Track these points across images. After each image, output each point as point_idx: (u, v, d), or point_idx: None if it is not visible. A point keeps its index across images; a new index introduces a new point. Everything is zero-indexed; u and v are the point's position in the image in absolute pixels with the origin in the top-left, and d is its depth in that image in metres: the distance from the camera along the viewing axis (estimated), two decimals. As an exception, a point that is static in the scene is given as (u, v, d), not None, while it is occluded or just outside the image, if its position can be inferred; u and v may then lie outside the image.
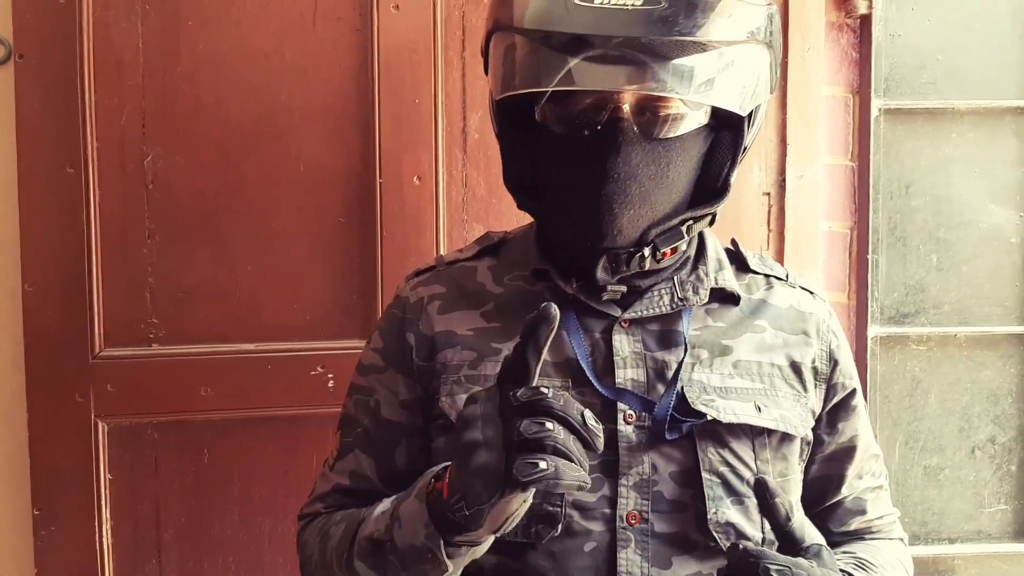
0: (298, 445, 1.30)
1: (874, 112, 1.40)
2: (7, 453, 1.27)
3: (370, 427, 0.90)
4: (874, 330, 1.41)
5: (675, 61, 0.73)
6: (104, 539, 1.27)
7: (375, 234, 1.29)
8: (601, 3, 0.72)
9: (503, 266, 0.91)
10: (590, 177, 0.78)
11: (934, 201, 1.44)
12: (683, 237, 0.83)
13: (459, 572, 0.72)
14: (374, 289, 1.29)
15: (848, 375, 0.92)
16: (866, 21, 1.40)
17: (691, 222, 0.83)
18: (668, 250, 0.82)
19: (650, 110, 0.78)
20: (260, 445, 1.29)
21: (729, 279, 0.89)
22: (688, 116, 0.79)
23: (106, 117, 1.24)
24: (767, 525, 0.80)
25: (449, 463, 0.67)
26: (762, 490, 0.72)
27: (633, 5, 0.72)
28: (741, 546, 0.70)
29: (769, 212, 1.37)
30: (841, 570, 0.77)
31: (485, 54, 0.87)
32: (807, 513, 0.88)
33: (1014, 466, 1.48)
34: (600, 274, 0.80)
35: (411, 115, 1.29)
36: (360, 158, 1.29)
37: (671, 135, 0.78)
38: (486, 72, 0.89)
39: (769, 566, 0.67)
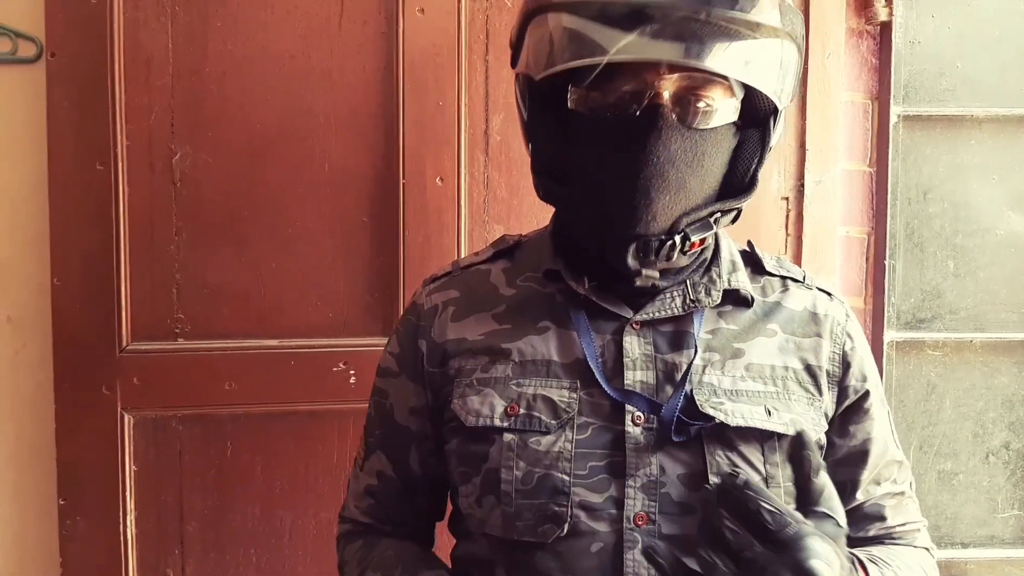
0: (320, 440, 1.32)
1: (893, 118, 1.41)
2: (34, 444, 1.29)
3: (386, 430, 0.94)
4: (890, 335, 1.42)
5: (731, 42, 0.74)
6: (128, 530, 1.29)
7: (397, 234, 1.31)
8: None
9: (517, 268, 0.92)
10: (628, 160, 0.77)
11: (951, 207, 1.44)
12: (711, 229, 0.82)
13: None
14: (396, 288, 1.31)
15: (861, 378, 0.90)
16: (886, 28, 1.40)
17: (719, 215, 0.83)
18: (697, 241, 0.82)
19: (688, 100, 0.78)
20: (282, 439, 1.31)
21: (743, 281, 0.88)
22: (721, 110, 0.80)
23: (135, 116, 1.26)
24: None
25: None
26: (799, 441, 0.70)
27: None
28: (741, 477, 0.66)
29: (787, 217, 1.38)
30: (851, 554, 0.74)
31: (517, 42, 0.86)
32: None
33: (1028, 472, 1.48)
34: (631, 261, 0.80)
35: (434, 117, 1.30)
36: (383, 159, 1.31)
37: (706, 126, 0.79)
38: (513, 64, 0.88)
39: (763, 505, 0.64)
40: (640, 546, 0.78)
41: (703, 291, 0.86)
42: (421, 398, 0.91)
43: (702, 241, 0.84)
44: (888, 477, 0.92)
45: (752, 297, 0.88)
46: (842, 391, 0.89)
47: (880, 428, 0.91)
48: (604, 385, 0.81)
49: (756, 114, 0.83)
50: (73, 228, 1.26)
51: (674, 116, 0.77)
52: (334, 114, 1.30)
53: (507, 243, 0.96)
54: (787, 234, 1.38)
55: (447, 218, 1.32)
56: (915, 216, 1.44)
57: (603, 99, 0.79)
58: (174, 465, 1.30)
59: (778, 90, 0.79)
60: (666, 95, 0.77)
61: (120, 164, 1.26)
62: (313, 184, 1.30)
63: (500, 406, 0.83)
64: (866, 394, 0.90)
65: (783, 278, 0.92)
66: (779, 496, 0.80)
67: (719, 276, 0.87)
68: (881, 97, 1.42)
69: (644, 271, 0.81)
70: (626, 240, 0.79)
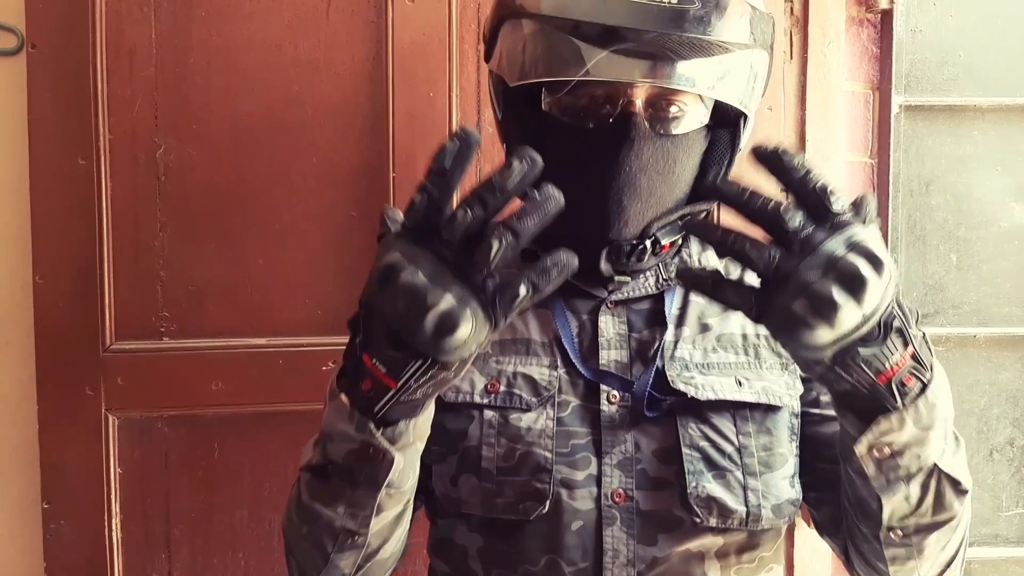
0: (309, 440, 1.29)
1: (894, 109, 1.38)
2: (17, 446, 1.27)
3: None
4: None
5: (700, 59, 0.76)
6: (113, 533, 1.26)
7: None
8: None
9: None
10: (601, 168, 0.79)
11: (954, 199, 1.42)
12: (681, 231, 0.86)
13: (412, 459, 0.71)
14: (386, 284, 1.28)
15: None
16: (887, 16, 1.38)
17: (689, 218, 0.84)
18: (667, 243, 0.85)
19: (659, 106, 0.80)
20: (271, 440, 1.28)
21: (712, 260, 0.92)
22: (692, 114, 0.82)
23: (118, 108, 1.23)
24: (750, 499, 0.80)
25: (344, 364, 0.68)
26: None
27: (669, 3, 0.74)
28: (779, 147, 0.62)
29: (787, 209, 1.36)
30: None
31: (491, 41, 0.88)
32: (828, 469, 0.83)
33: (1033, 469, 1.46)
34: (603, 265, 0.83)
35: (425, 109, 1.28)
36: (373, 152, 1.28)
37: (677, 132, 0.81)
38: (487, 59, 0.90)
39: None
40: (618, 522, 0.80)
41: (675, 270, 0.89)
42: None
43: (672, 244, 0.87)
44: None
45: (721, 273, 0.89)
46: None
47: None
48: (579, 365, 0.84)
49: (727, 116, 0.85)
50: (55, 224, 1.23)
51: (646, 124, 0.79)
52: (322, 106, 1.27)
53: None
54: (787, 227, 1.35)
55: (439, 212, 1.29)
56: (917, 208, 1.41)
57: (577, 105, 0.81)
58: (160, 467, 1.27)
59: (746, 99, 0.82)
60: (638, 103, 0.79)
61: (103, 158, 1.23)
62: (301, 178, 1.27)
63: (480, 382, 0.84)
64: None
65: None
66: (753, 466, 0.81)
67: (689, 256, 0.91)
68: (882, 87, 1.39)
69: (616, 276, 0.85)
70: (599, 246, 0.82)
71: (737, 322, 0.88)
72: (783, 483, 0.83)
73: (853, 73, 1.39)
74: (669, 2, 0.74)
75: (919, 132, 1.41)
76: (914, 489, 0.69)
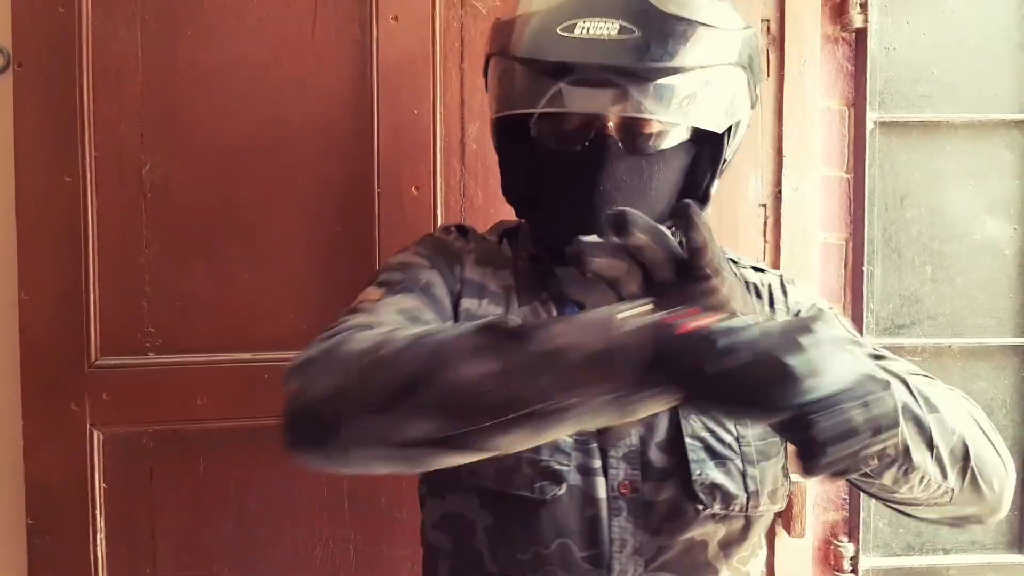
0: (294, 455, 1.29)
1: (869, 125, 1.41)
2: (2, 462, 1.26)
3: (420, 294, 0.86)
4: (869, 341, 1.42)
5: (653, 83, 0.80)
6: (98, 549, 1.26)
7: (372, 244, 1.29)
8: (580, 34, 0.79)
9: (517, 248, 0.97)
10: (579, 189, 0.84)
11: (928, 213, 1.45)
12: None
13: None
14: (371, 299, 1.29)
15: (792, 307, 0.94)
16: (861, 35, 1.41)
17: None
18: None
19: (634, 128, 0.84)
20: (256, 456, 1.29)
21: None
22: (670, 132, 0.85)
23: (105, 126, 1.24)
24: (749, 485, 0.83)
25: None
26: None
27: (609, 36, 0.79)
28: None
29: (765, 223, 1.38)
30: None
31: (486, 75, 0.95)
32: None
33: (1008, 477, 1.48)
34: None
35: (409, 126, 1.29)
36: (358, 168, 1.29)
37: (654, 150, 0.84)
38: (488, 91, 0.96)
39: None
40: (625, 512, 0.82)
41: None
42: (451, 310, 0.88)
43: None
44: None
45: None
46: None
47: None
48: None
49: (709, 131, 0.86)
50: (41, 241, 1.23)
51: (620, 145, 0.83)
52: (308, 123, 1.28)
53: (508, 225, 1.01)
54: (765, 241, 1.38)
55: (423, 228, 1.30)
56: (892, 222, 1.44)
57: (558, 129, 0.86)
58: (145, 483, 1.27)
59: (715, 116, 0.84)
60: (611, 126, 0.83)
61: (89, 175, 1.24)
62: (286, 194, 1.28)
63: None
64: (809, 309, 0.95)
65: None
66: (751, 455, 0.84)
67: None
68: (857, 103, 1.42)
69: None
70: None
71: None
72: (778, 471, 0.87)
73: (829, 90, 1.42)
74: (610, 35, 0.79)
75: (894, 147, 1.44)
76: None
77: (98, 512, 1.26)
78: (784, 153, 1.37)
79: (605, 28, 0.79)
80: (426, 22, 1.29)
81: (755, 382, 0.53)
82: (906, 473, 0.73)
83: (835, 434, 0.54)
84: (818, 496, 1.45)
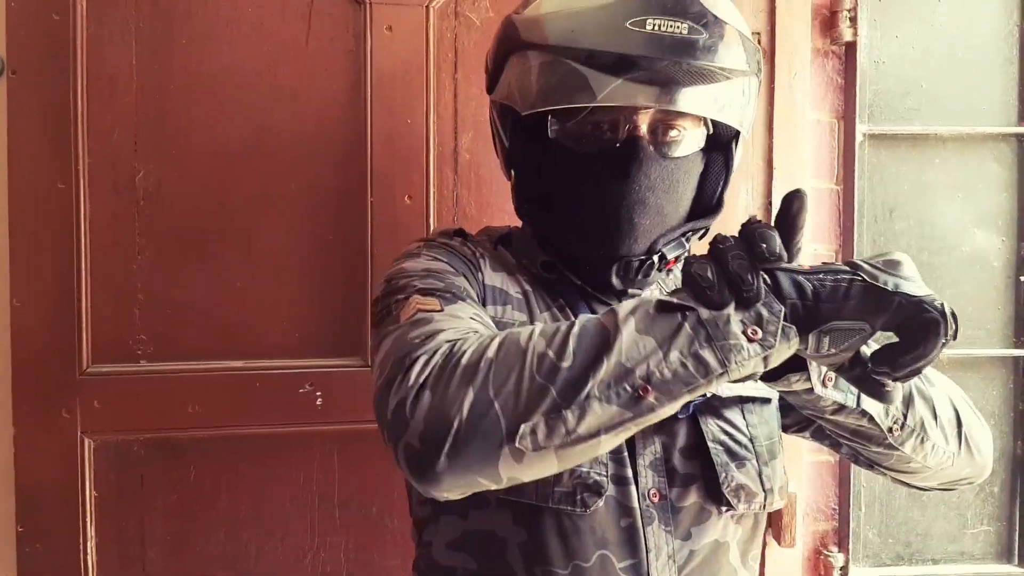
0: (285, 463, 1.30)
1: (858, 137, 1.42)
2: (-9, 469, 1.26)
3: (462, 304, 0.82)
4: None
5: (706, 85, 0.81)
6: (88, 557, 1.26)
7: (365, 253, 1.29)
8: (652, 29, 0.79)
9: (517, 255, 0.96)
10: (612, 188, 0.84)
11: (917, 225, 1.46)
12: (684, 247, 0.90)
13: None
14: (363, 308, 1.29)
15: None
16: (851, 48, 1.42)
17: (691, 233, 0.90)
18: (672, 258, 0.89)
19: (660, 131, 0.85)
20: (247, 463, 1.29)
21: None
22: (690, 138, 0.87)
23: (98, 133, 1.25)
24: (765, 483, 0.86)
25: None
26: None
27: (682, 34, 0.79)
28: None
29: (756, 235, 1.39)
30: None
31: (495, 70, 0.90)
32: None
33: (997, 487, 1.49)
34: (614, 280, 0.87)
35: (403, 135, 1.30)
36: (351, 177, 1.30)
37: (677, 154, 0.86)
38: (489, 91, 0.93)
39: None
40: (656, 520, 0.83)
41: (675, 284, 0.95)
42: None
43: (676, 259, 0.90)
44: None
45: None
46: None
47: None
48: None
49: (719, 140, 0.90)
50: (34, 248, 1.24)
51: (650, 147, 0.83)
52: (301, 132, 1.28)
53: (500, 231, 1.00)
54: (756, 252, 1.39)
55: (416, 236, 1.29)
56: (881, 234, 1.45)
57: (584, 132, 0.85)
58: (136, 490, 1.27)
59: (742, 120, 0.87)
60: (643, 127, 0.84)
61: (82, 182, 1.24)
62: (279, 202, 1.29)
63: None
64: None
65: None
66: (764, 455, 0.88)
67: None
68: (847, 116, 1.44)
69: (628, 289, 0.89)
70: (610, 261, 0.86)
71: None
72: (781, 467, 0.91)
73: (819, 103, 1.43)
74: (681, 33, 0.79)
75: (883, 160, 1.45)
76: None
77: (88, 520, 1.26)
78: (774, 165, 1.38)
79: (676, 26, 0.79)
80: (420, 32, 1.30)
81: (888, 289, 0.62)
82: (922, 441, 0.81)
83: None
84: (808, 506, 1.45)
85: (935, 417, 0.82)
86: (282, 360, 1.28)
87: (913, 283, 0.63)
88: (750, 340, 0.63)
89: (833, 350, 0.65)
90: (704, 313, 0.64)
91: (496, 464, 0.65)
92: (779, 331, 0.63)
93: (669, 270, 0.95)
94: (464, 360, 0.67)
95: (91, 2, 1.24)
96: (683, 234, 0.89)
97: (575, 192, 0.86)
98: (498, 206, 1.32)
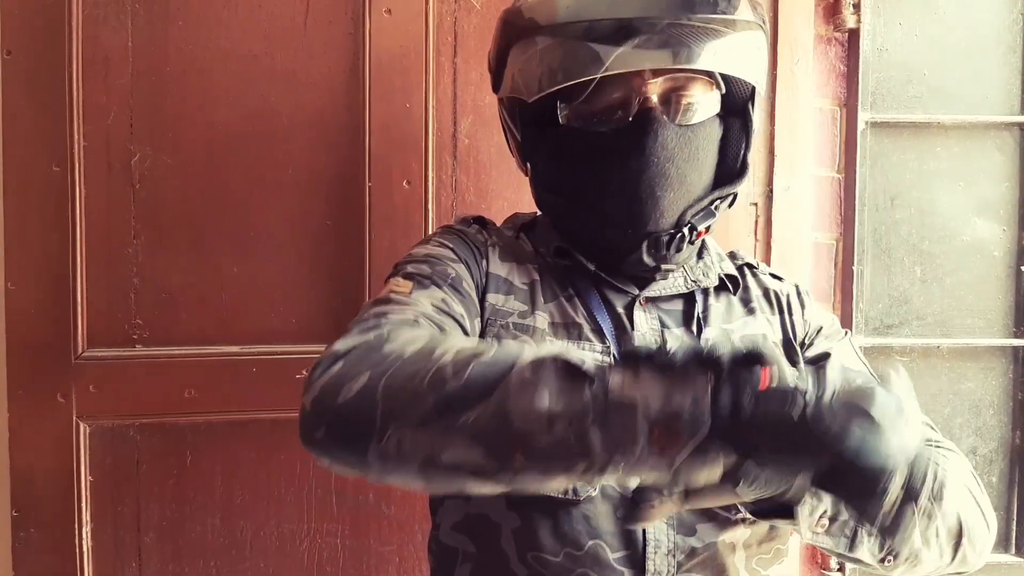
0: (282, 449, 1.29)
1: (860, 125, 1.41)
2: (-14, 454, 1.26)
3: (451, 290, 0.83)
4: (858, 340, 1.42)
5: (712, 41, 0.78)
6: (84, 542, 1.26)
7: (363, 238, 1.28)
8: None
9: (536, 242, 0.95)
10: (630, 165, 0.81)
11: (919, 214, 1.45)
12: (714, 216, 0.87)
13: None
14: (361, 293, 1.28)
15: (816, 330, 0.95)
16: (854, 35, 1.41)
17: (719, 201, 0.88)
18: (703, 229, 0.86)
19: (673, 100, 0.82)
20: (243, 448, 1.28)
21: (729, 268, 0.96)
22: (705, 104, 0.84)
23: (93, 116, 1.23)
24: None
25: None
26: None
27: None
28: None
29: (756, 223, 1.38)
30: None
31: (498, 67, 0.90)
32: None
33: (995, 477, 1.49)
34: (646, 258, 0.85)
35: (402, 120, 1.29)
36: (349, 162, 1.29)
37: (693, 121, 0.83)
38: (496, 89, 0.92)
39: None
40: None
41: (701, 274, 0.92)
42: (478, 304, 0.86)
43: (707, 229, 0.88)
44: None
45: (738, 282, 0.95)
46: (803, 345, 0.95)
47: (844, 348, 0.95)
48: (618, 355, 0.84)
49: (735, 103, 0.88)
50: (28, 231, 1.23)
51: (665, 116, 0.81)
52: (299, 115, 1.27)
53: (524, 219, 0.99)
54: (756, 240, 1.38)
55: (414, 222, 1.30)
56: (882, 222, 1.44)
57: (595, 111, 0.83)
58: (131, 475, 1.27)
59: (758, 75, 0.85)
60: (654, 98, 0.81)
61: (77, 165, 1.23)
62: (276, 187, 1.28)
63: None
64: (819, 329, 0.96)
65: (740, 267, 0.99)
66: None
67: (712, 263, 0.94)
68: (849, 104, 1.43)
69: (662, 266, 0.86)
70: (639, 239, 0.84)
71: (758, 326, 0.91)
72: None
73: (821, 90, 1.42)
74: None
75: (885, 148, 1.44)
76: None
77: (84, 505, 1.25)
78: (776, 152, 1.37)
79: None
80: (419, 16, 1.28)
81: (838, 428, 0.51)
82: (914, 566, 0.75)
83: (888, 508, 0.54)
84: (806, 495, 1.45)
85: (936, 535, 0.74)
86: (279, 345, 1.28)
87: (878, 431, 0.51)
88: (652, 443, 0.52)
89: (769, 490, 0.54)
90: (614, 390, 0.54)
91: (365, 456, 0.62)
92: (691, 445, 0.52)
93: (700, 257, 0.94)
94: (385, 348, 0.66)
95: (86, -18, 1.22)
96: (711, 203, 0.86)
97: (593, 175, 0.85)
98: (496, 192, 1.31)
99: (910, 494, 0.53)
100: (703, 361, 0.53)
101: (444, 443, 0.58)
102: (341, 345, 0.69)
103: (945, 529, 0.76)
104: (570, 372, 0.56)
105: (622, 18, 0.76)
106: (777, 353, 0.54)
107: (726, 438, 0.52)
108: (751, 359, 0.53)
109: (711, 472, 0.54)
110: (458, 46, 1.30)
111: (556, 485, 0.58)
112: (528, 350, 0.61)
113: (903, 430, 0.52)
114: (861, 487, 0.52)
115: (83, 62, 1.23)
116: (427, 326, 0.75)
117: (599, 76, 0.78)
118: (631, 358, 0.55)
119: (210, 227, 1.27)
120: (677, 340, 0.87)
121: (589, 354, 0.82)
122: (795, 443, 0.51)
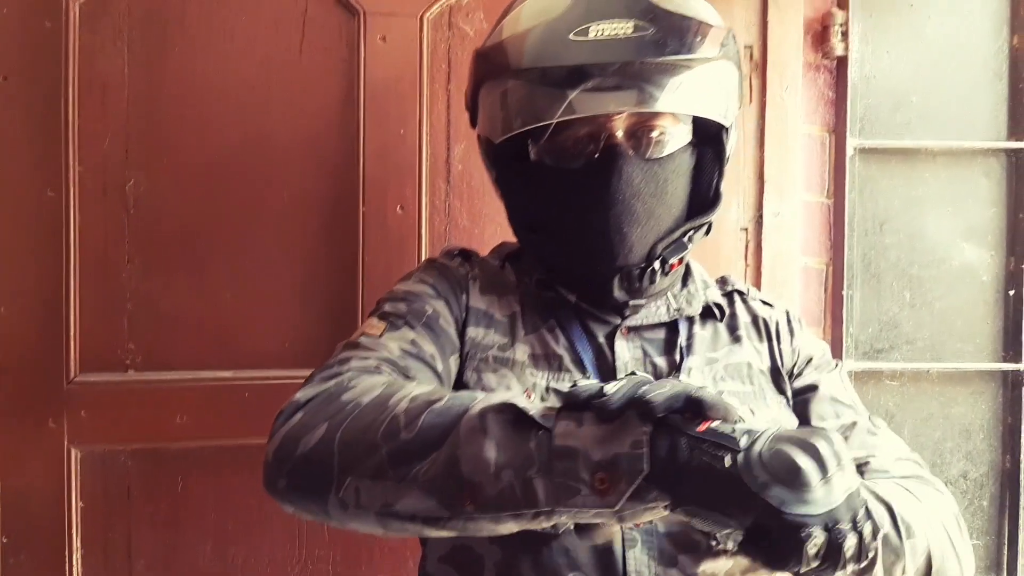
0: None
1: (849, 151, 1.43)
2: (-24, 479, 1.25)
3: (426, 330, 0.85)
4: (848, 365, 1.43)
5: (669, 79, 0.79)
6: (74, 568, 1.25)
7: (356, 263, 1.29)
8: (596, 36, 0.78)
9: (520, 273, 0.96)
10: (596, 202, 0.82)
11: (907, 239, 1.47)
12: (686, 248, 0.88)
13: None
14: (354, 318, 1.29)
15: (806, 361, 0.95)
16: (842, 63, 1.43)
17: (692, 232, 0.88)
18: (675, 261, 0.87)
19: (641, 134, 0.83)
20: (235, 475, 1.28)
21: (715, 296, 0.95)
22: (675, 136, 0.85)
23: (89, 141, 1.24)
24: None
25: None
26: None
27: (626, 34, 0.78)
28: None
29: (747, 248, 1.39)
30: None
31: (472, 107, 0.92)
32: None
33: (986, 501, 1.49)
34: (617, 293, 0.85)
35: (396, 145, 1.30)
36: (343, 187, 1.29)
37: (662, 154, 0.84)
38: (473, 125, 0.94)
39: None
40: (640, 544, 0.80)
41: (684, 302, 0.91)
42: (457, 340, 0.87)
43: (680, 261, 0.89)
44: (832, 414, 0.92)
45: (724, 309, 0.94)
46: (791, 375, 0.95)
47: (831, 382, 0.94)
48: (559, 400, 0.83)
49: (708, 131, 0.88)
50: (22, 255, 1.23)
51: (631, 151, 0.82)
52: (294, 141, 1.28)
53: (511, 248, 0.99)
54: (746, 265, 1.39)
55: (408, 247, 1.30)
56: (872, 247, 1.46)
57: (563, 147, 0.84)
58: (123, 501, 1.26)
59: (723, 110, 0.85)
60: (619, 134, 0.83)
61: (72, 190, 1.24)
62: (271, 212, 1.28)
63: (518, 389, 0.84)
64: (809, 359, 0.96)
65: (729, 293, 0.99)
66: None
67: (696, 291, 0.93)
68: (838, 130, 1.44)
69: (631, 300, 0.87)
70: (610, 274, 0.84)
71: (744, 354, 0.91)
72: None
73: (810, 117, 1.44)
74: (627, 33, 0.77)
75: (873, 174, 1.46)
76: None
77: (75, 531, 1.24)
78: (765, 178, 1.39)
79: (620, 28, 0.78)
80: (414, 43, 1.30)
81: (767, 478, 0.52)
82: None
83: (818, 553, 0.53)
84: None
85: (903, 573, 0.74)
86: (272, 370, 1.28)
87: (804, 482, 0.52)
88: (594, 489, 0.56)
89: (708, 529, 0.57)
90: (557, 437, 0.57)
91: (325, 506, 0.66)
92: (630, 490, 0.55)
93: (684, 285, 0.94)
94: (343, 396, 0.69)
95: (84, 10, 1.23)
96: (683, 234, 0.87)
97: (564, 211, 0.86)
98: (489, 216, 1.32)
99: (836, 544, 0.53)
100: (638, 408, 0.56)
101: (398, 494, 0.62)
102: (302, 395, 0.73)
103: (913, 568, 0.75)
104: (517, 420, 0.59)
105: (573, 65, 0.77)
106: (719, 400, 0.56)
107: (661, 485, 0.55)
108: (689, 406, 0.55)
109: (654, 513, 0.57)
110: (452, 73, 1.32)
111: (506, 530, 0.61)
112: (480, 398, 0.65)
113: (834, 480, 0.53)
114: (785, 537, 0.53)
115: (79, 87, 1.23)
116: (388, 372, 0.78)
117: (554, 122, 0.79)
118: (574, 403, 0.58)
119: (204, 252, 1.27)
120: (655, 368, 0.87)
121: (537, 402, 0.84)
122: (723, 492, 0.54)
